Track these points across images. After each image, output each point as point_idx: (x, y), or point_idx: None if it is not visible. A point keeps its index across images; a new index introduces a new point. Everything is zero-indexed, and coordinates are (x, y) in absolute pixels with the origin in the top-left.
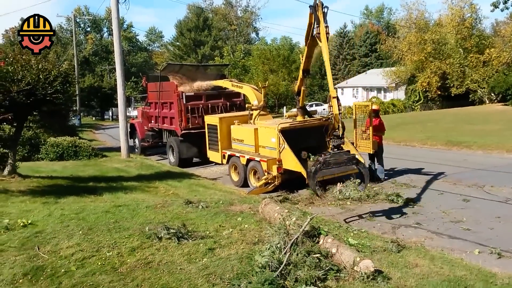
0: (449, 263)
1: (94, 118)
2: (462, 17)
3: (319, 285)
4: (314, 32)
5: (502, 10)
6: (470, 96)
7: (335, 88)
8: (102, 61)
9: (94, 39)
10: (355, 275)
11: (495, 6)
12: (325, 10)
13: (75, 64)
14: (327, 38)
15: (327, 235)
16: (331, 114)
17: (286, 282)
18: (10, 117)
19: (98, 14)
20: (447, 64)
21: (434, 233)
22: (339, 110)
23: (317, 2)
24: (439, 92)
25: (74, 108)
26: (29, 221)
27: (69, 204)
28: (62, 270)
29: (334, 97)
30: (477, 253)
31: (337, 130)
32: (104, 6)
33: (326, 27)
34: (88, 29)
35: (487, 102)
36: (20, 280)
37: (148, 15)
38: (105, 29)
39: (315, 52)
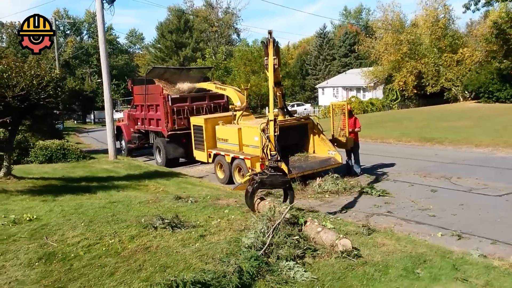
0: (413, 243)
1: (75, 122)
2: (436, 18)
3: (298, 261)
4: (264, 63)
5: (473, 12)
6: (445, 94)
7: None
8: (83, 64)
9: (74, 42)
10: (331, 253)
11: (467, 7)
12: (275, 44)
13: (57, 68)
14: (275, 69)
15: (304, 223)
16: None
17: (269, 259)
18: (8, 120)
19: (78, 17)
20: (422, 64)
21: (403, 220)
22: (274, 132)
23: (268, 38)
24: (415, 91)
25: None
26: (34, 216)
27: (66, 202)
28: (72, 255)
29: (271, 120)
30: (440, 235)
31: (275, 152)
32: (84, 9)
33: (275, 59)
34: (68, 31)
35: (461, 99)
36: (36, 263)
37: (128, 16)
38: (85, 32)
39: (296, 53)
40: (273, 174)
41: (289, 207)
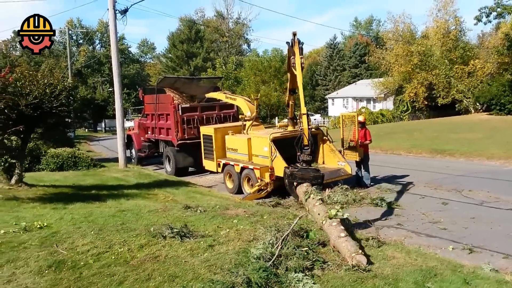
0: (423, 256)
1: (86, 130)
2: (447, 30)
3: (307, 273)
4: (291, 63)
5: (485, 24)
6: (456, 106)
7: (306, 106)
8: (95, 73)
9: (86, 51)
10: (341, 265)
11: (478, 19)
12: (301, 45)
13: (69, 77)
14: (302, 68)
15: (315, 235)
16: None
17: (278, 271)
18: (21, 128)
19: (90, 26)
20: (433, 75)
21: (413, 232)
22: (308, 125)
23: (294, 39)
24: (426, 102)
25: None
26: (44, 224)
27: (77, 210)
28: (81, 263)
29: (304, 114)
30: (451, 249)
31: (307, 146)
32: (97, 19)
33: (301, 58)
34: (80, 41)
35: (473, 111)
36: (46, 271)
37: (140, 26)
38: (97, 41)
39: (306, 64)
40: (304, 167)
41: (298, 218)
